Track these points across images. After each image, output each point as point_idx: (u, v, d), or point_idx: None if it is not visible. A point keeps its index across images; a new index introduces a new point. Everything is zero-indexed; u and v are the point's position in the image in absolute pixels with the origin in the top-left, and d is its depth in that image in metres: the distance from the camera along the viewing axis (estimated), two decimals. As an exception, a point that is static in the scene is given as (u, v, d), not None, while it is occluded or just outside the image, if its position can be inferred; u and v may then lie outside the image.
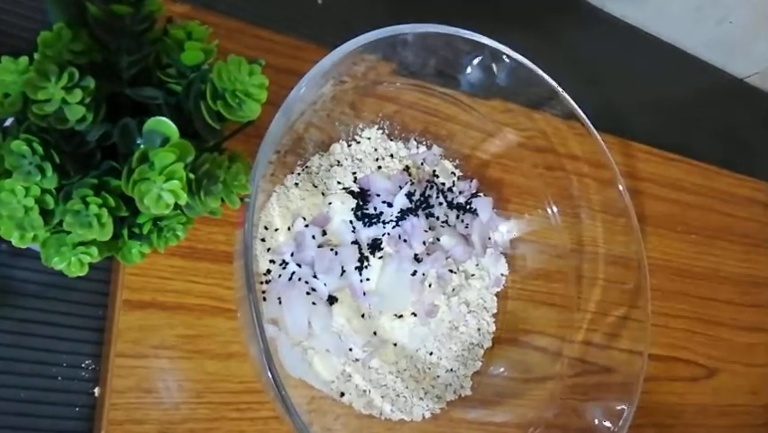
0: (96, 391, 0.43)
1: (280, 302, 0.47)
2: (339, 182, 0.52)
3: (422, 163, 0.57)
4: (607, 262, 0.56)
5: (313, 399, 0.47)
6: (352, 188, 0.52)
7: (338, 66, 0.44)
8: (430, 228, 0.53)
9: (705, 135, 0.86)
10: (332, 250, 0.48)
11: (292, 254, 0.48)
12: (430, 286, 0.52)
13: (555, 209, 0.58)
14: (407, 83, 0.54)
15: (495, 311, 0.57)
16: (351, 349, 0.48)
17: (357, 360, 0.49)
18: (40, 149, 0.29)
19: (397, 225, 0.51)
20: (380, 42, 0.45)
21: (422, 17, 0.48)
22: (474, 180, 0.58)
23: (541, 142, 0.57)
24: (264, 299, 0.47)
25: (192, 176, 0.31)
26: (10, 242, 0.32)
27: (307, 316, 0.47)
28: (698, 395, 0.69)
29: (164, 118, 0.31)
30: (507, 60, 0.52)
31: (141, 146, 0.31)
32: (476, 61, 0.53)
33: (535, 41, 0.73)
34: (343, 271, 0.49)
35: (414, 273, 0.51)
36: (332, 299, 0.48)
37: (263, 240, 0.48)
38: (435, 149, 0.58)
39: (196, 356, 0.44)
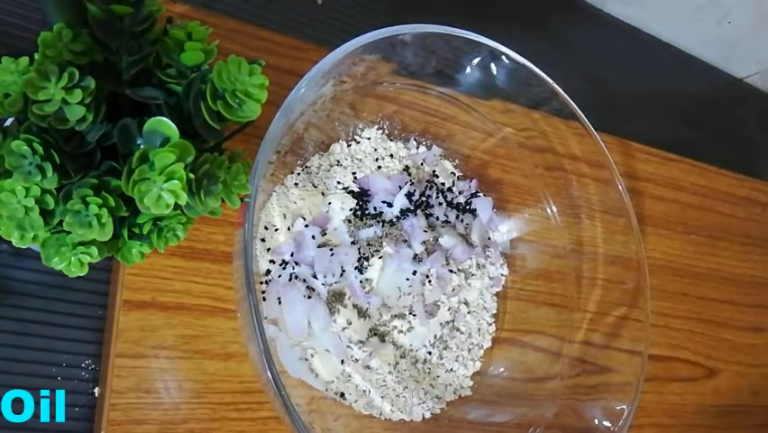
0: (96, 391, 0.43)
1: (280, 302, 0.47)
2: (339, 182, 0.52)
3: (422, 163, 0.57)
4: (607, 262, 0.56)
5: (313, 399, 0.47)
6: (352, 188, 0.52)
7: (338, 66, 0.44)
8: (430, 228, 0.53)
9: (705, 135, 0.86)
10: (332, 250, 0.48)
11: (292, 254, 0.48)
12: (430, 285, 0.52)
13: (555, 209, 0.58)
14: (407, 83, 0.54)
15: (495, 311, 0.57)
16: (351, 349, 0.48)
17: (357, 360, 0.49)
18: (40, 149, 0.29)
19: (397, 225, 0.51)
20: (380, 42, 0.45)
21: (422, 17, 0.48)
22: (474, 180, 0.58)
23: (541, 142, 0.57)
24: (264, 299, 0.47)
25: (192, 176, 0.31)
26: (10, 242, 0.32)
27: (307, 316, 0.47)
28: (698, 395, 0.69)
29: (164, 118, 0.31)
30: (506, 61, 0.52)
31: (141, 146, 0.31)
32: (476, 61, 0.53)
33: (535, 41, 0.73)
34: (343, 271, 0.49)
35: (414, 273, 0.51)
36: (332, 300, 0.49)
37: (263, 240, 0.48)
38: (435, 149, 0.58)
39: (196, 356, 0.45)
